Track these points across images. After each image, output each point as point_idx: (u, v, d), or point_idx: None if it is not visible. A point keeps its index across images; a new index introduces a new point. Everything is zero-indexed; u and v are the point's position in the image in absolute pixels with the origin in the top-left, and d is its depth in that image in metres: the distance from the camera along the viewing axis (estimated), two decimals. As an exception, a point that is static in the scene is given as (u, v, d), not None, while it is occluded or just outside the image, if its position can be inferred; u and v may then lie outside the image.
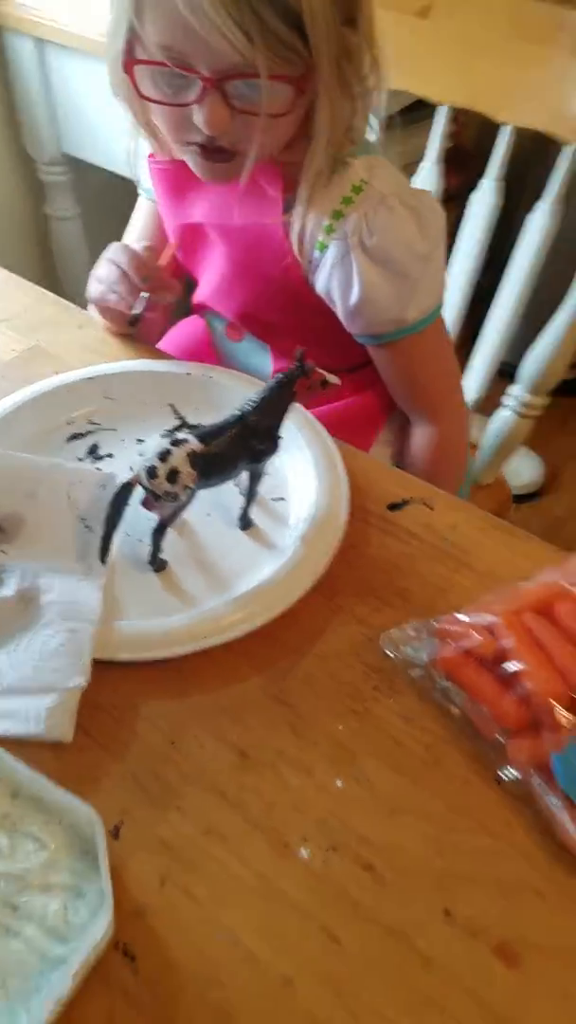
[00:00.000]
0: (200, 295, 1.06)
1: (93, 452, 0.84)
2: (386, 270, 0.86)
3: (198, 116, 0.75)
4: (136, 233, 1.09)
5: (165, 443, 0.66)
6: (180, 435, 0.67)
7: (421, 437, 1.03)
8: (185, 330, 1.14)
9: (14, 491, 0.73)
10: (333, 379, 0.70)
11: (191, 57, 0.72)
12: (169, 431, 0.72)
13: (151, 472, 0.65)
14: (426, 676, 0.65)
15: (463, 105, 1.10)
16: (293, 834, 0.57)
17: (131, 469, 0.68)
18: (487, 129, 1.12)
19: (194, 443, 0.66)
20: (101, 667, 0.64)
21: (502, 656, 0.62)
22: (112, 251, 0.93)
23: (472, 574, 0.74)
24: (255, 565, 0.73)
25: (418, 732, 0.63)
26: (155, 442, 0.67)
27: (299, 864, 0.56)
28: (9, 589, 0.67)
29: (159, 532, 0.71)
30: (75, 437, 0.85)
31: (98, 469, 0.79)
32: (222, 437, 0.68)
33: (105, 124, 1.60)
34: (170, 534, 0.73)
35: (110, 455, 0.83)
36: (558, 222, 1.13)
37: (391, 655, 0.67)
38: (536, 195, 1.12)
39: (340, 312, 0.91)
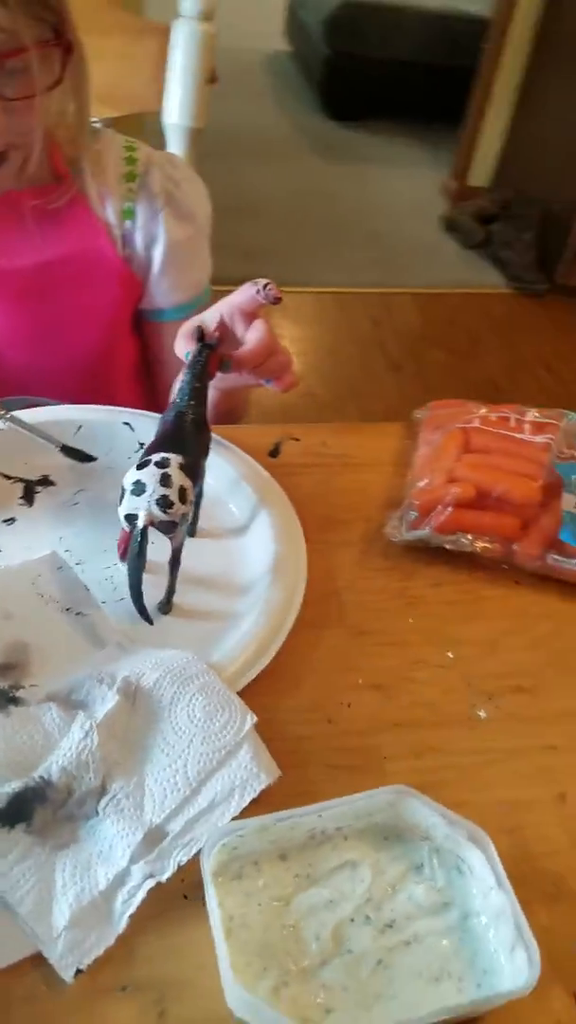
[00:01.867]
0: None
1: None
2: (189, 226, 0.88)
3: None
4: None
5: (153, 470, 0.61)
6: (154, 456, 0.62)
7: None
8: None
9: (-9, 620, 0.60)
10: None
11: None
12: (140, 461, 0.63)
13: (166, 503, 0.60)
14: (432, 539, 0.74)
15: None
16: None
17: (127, 517, 0.60)
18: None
19: (175, 456, 0.62)
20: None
21: (481, 491, 0.74)
22: None
23: (373, 461, 0.85)
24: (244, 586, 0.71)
25: (459, 585, 0.74)
26: (135, 476, 0.61)
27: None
28: (108, 699, 0.56)
29: (176, 563, 0.65)
30: None
31: None
32: (185, 438, 0.65)
33: None
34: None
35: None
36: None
37: (395, 539, 0.74)
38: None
39: (149, 281, 0.89)
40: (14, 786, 0.52)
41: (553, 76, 3.17)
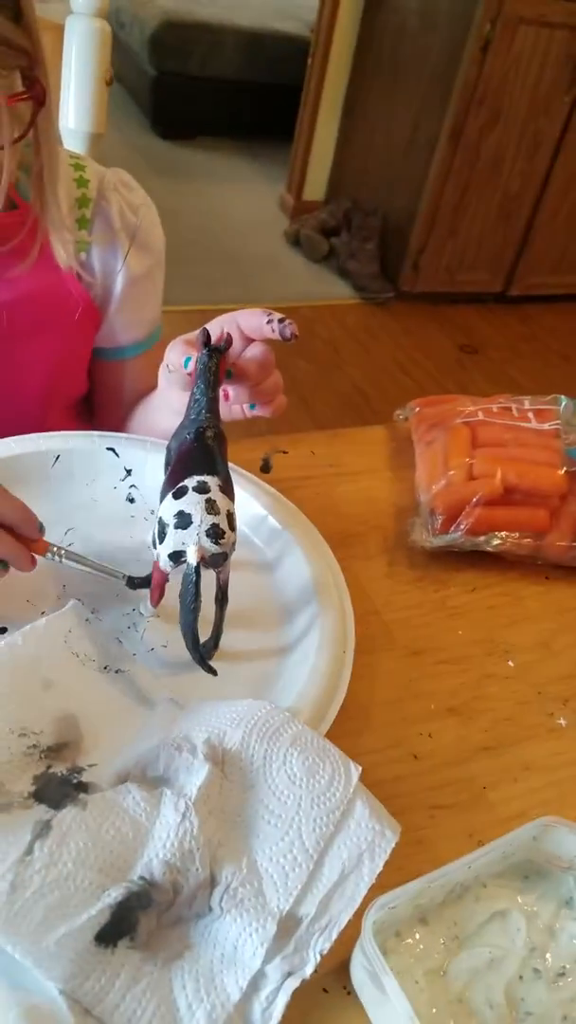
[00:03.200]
0: None
1: None
2: (148, 257, 0.78)
3: None
4: None
5: (195, 497, 0.52)
6: (188, 481, 0.54)
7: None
8: None
9: (33, 696, 0.49)
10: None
11: None
12: (174, 489, 0.52)
13: (216, 533, 0.51)
14: (466, 542, 0.69)
15: None
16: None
17: (172, 556, 0.51)
18: None
19: (212, 478, 0.54)
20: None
21: (508, 486, 0.71)
22: None
23: (368, 467, 0.79)
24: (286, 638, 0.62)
25: (495, 587, 0.70)
26: (176, 506, 0.52)
27: None
28: (196, 770, 0.47)
29: (224, 601, 0.56)
30: None
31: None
32: (213, 456, 0.57)
33: None
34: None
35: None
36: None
37: (426, 546, 0.69)
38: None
39: (107, 317, 0.79)
40: (115, 895, 0.42)
41: (372, 91, 3.27)
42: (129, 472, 0.70)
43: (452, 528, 0.68)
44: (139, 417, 0.83)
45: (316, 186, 3.65)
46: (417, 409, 0.82)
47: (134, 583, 0.58)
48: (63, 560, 0.56)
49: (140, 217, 0.77)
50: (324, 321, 3.14)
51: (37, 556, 0.55)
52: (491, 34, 2.62)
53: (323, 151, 3.56)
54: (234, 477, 0.67)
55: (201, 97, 3.96)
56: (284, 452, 0.79)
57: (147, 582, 0.58)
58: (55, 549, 0.55)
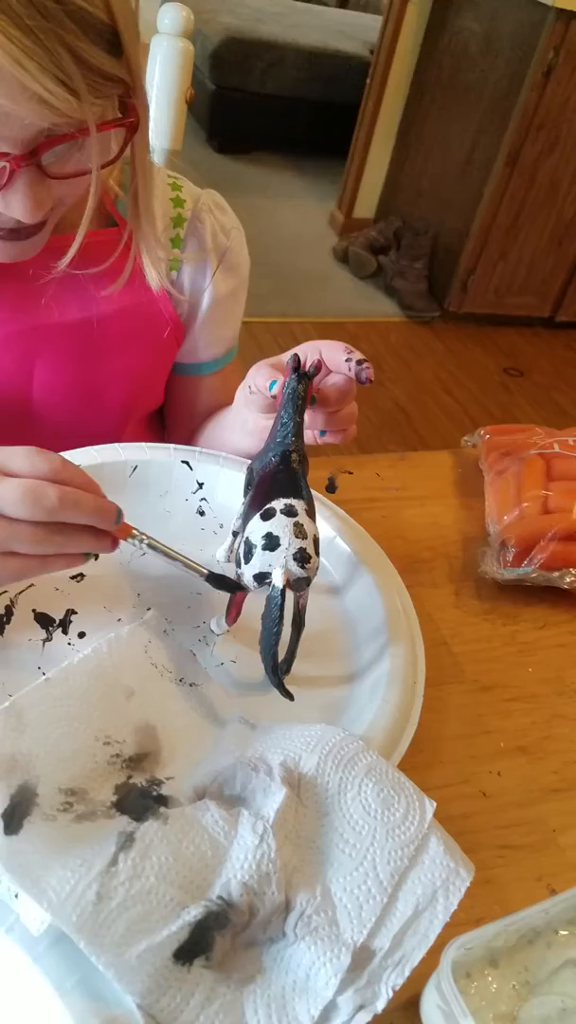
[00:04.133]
0: None
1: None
2: (233, 279, 0.79)
3: (5, 204, 0.53)
4: None
5: (283, 520, 0.52)
6: (275, 503, 0.54)
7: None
8: None
9: (116, 705, 0.49)
10: None
11: None
12: (261, 511, 0.52)
13: (303, 557, 0.51)
14: (539, 577, 0.69)
15: None
16: None
17: (258, 577, 0.51)
18: None
19: (298, 501, 0.54)
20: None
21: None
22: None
23: (435, 492, 0.79)
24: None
25: (565, 624, 0.69)
26: (264, 528, 0.52)
27: None
28: (274, 792, 0.47)
29: (302, 624, 0.56)
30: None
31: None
32: (299, 480, 0.56)
33: None
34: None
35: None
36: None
37: (496, 578, 0.69)
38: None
39: (191, 334, 0.80)
40: (194, 913, 0.42)
41: (429, 113, 3.28)
42: (201, 485, 0.71)
43: (525, 562, 0.67)
44: (209, 432, 0.84)
45: (367, 204, 3.66)
46: (487, 436, 0.81)
47: (214, 580, 0.58)
48: (145, 547, 0.55)
49: (231, 239, 0.78)
50: (368, 337, 3.14)
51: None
52: (554, 61, 2.62)
53: (376, 170, 3.57)
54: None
55: (258, 112, 3.99)
56: (349, 473, 0.79)
57: (226, 583, 0.57)
58: (137, 533, 0.54)
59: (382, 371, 2.99)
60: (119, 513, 0.51)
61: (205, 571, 0.57)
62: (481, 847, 0.53)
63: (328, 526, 0.68)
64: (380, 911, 0.45)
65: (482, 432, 0.82)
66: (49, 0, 0.45)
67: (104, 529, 0.50)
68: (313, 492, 0.71)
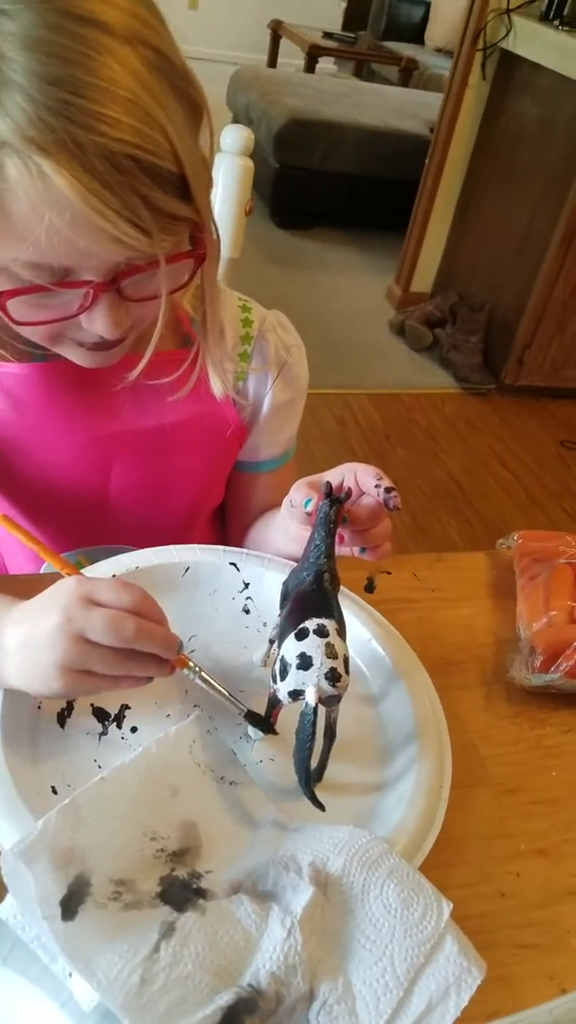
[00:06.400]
0: None
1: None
2: (292, 389, 0.88)
3: (90, 322, 0.62)
4: None
5: (316, 640, 0.58)
6: (309, 624, 0.59)
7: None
8: None
9: (162, 802, 0.55)
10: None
11: (75, 269, 0.58)
12: (296, 630, 0.58)
13: (334, 676, 0.56)
14: (564, 684, 0.73)
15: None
16: None
17: (292, 693, 0.57)
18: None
19: (330, 621, 0.59)
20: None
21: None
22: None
23: (469, 594, 0.84)
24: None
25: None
26: (298, 648, 0.57)
27: None
28: (302, 890, 0.52)
29: (333, 736, 0.61)
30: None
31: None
32: (330, 600, 0.62)
33: None
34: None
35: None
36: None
37: (524, 684, 0.73)
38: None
39: (251, 436, 0.89)
40: (226, 999, 0.47)
41: (487, 191, 3.38)
42: (247, 585, 0.77)
43: (552, 668, 0.72)
44: (258, 530, 0.91)
45: (424, 279, 3.76)
46: (520, 541, 0.86)
47: (251, 717, 0.64)
48: (197, 679, 0.62)
49: (292, 356, 0.88)
50: (423, 409, 3.20)
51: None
52: (608, 146, 2.70)
53: (434, 246, 3.68)
54: (341, 599, 0.73)
55: (319, 189, 4.16)
56: (388, 573, 0.84)
57: (261, 722, 0.64)
58: (192, 667, 0.61)
59: (436, 443, 3.04)
60: (180, 645, 0.58)
61: (244, 708, 0.63)
62: (497, 945, 0.56)
63: (365, 629, 0.73)
64: (396, 1004, 0.49)
65: (515, 536, 0.87)
66: (125, 159, 0.53)
67: (166, 658, 0.57)
68: (351, 593, 0.77)
